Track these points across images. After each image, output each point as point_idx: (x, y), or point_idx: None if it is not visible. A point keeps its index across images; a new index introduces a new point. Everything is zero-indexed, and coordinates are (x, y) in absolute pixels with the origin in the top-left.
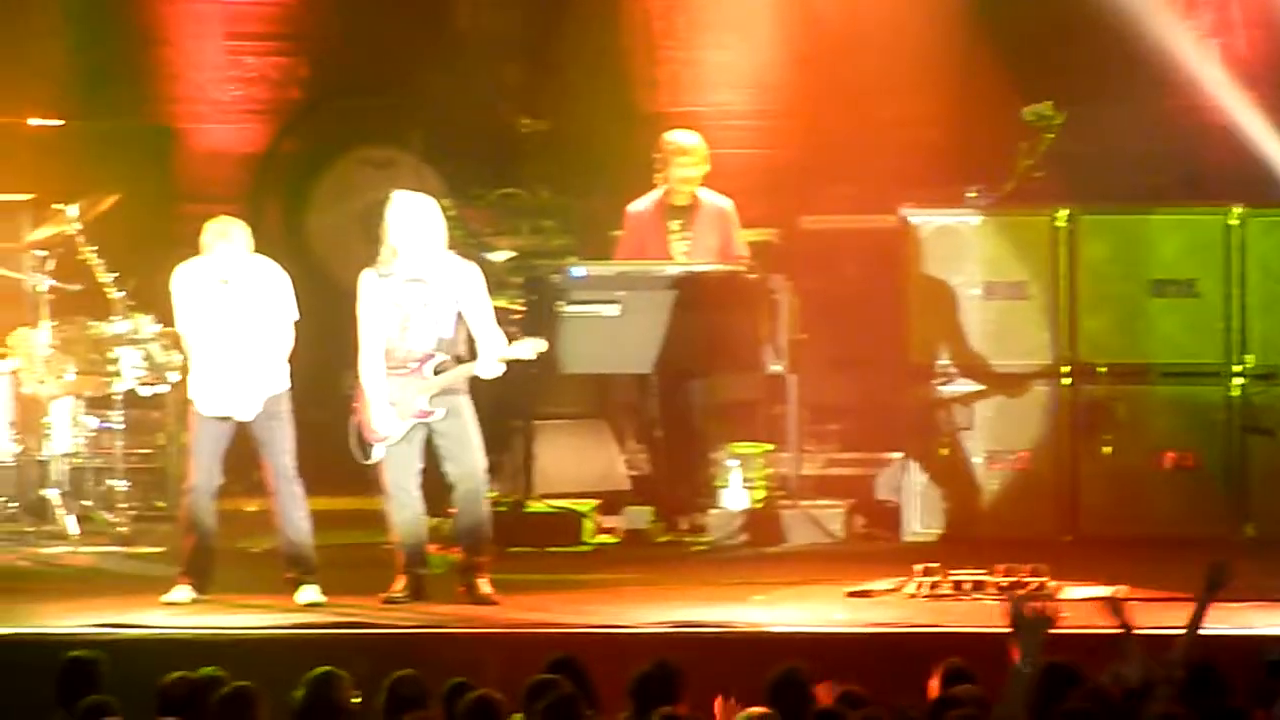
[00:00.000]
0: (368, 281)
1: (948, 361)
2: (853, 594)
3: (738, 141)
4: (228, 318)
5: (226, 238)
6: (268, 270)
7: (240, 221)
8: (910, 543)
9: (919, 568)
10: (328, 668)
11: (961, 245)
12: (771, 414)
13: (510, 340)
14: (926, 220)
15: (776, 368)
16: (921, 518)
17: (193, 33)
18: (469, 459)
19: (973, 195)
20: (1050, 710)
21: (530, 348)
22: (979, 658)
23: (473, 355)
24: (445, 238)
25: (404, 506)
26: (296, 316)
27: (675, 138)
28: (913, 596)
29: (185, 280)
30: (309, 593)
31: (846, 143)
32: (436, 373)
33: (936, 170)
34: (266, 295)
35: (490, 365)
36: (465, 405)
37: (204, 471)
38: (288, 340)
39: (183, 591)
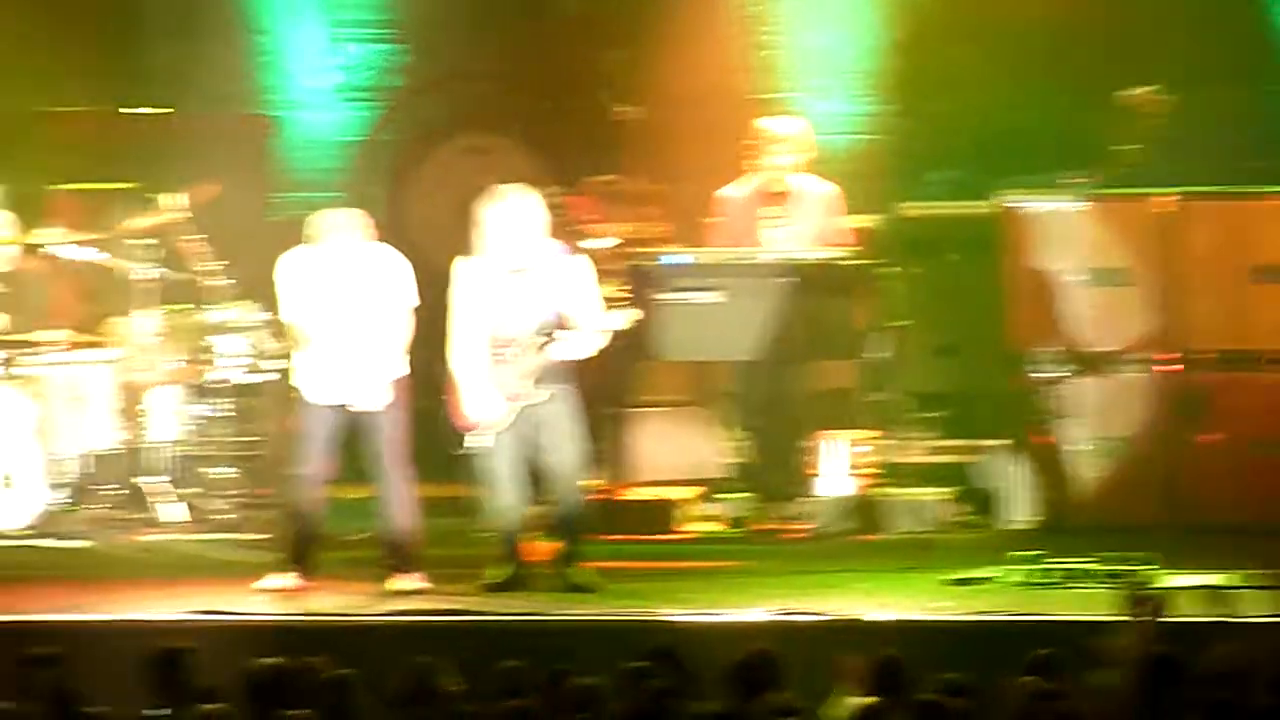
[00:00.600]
0: (467, 269)
1: (1049, 348)
2: (954, 582)
3: (837, 127)
4: (345, 306)
5: (340, 228)
6: (387, 256)
7: (355, 210)
8: (1011, 530)
9: (1020, 555)
10: (428, 656)
11: (1063, 231)
12: (872, 401)
13: None
14: (1028, 206)
15: (877, 354)
16: (1023, 505)
17: (294, 20)
18: (568, 447)
19: (1075, 181)
20: (1160, 699)
21: (625, 317)
22: (1079, 645)
23: None
24: (545, 227)
25: (502, 494)
26: (417, 303)
27: (770, 124)
28: (1014, 584)
29: (292, 269)
30: (410, 580)
31: (947, 128)
32: (533, 357)
33: (1038, 155)
34: (386, 282)
35: (584, 342)
36: (566, 393)
37: (315, 459)
38: (407, 327)
39: (286, 578)
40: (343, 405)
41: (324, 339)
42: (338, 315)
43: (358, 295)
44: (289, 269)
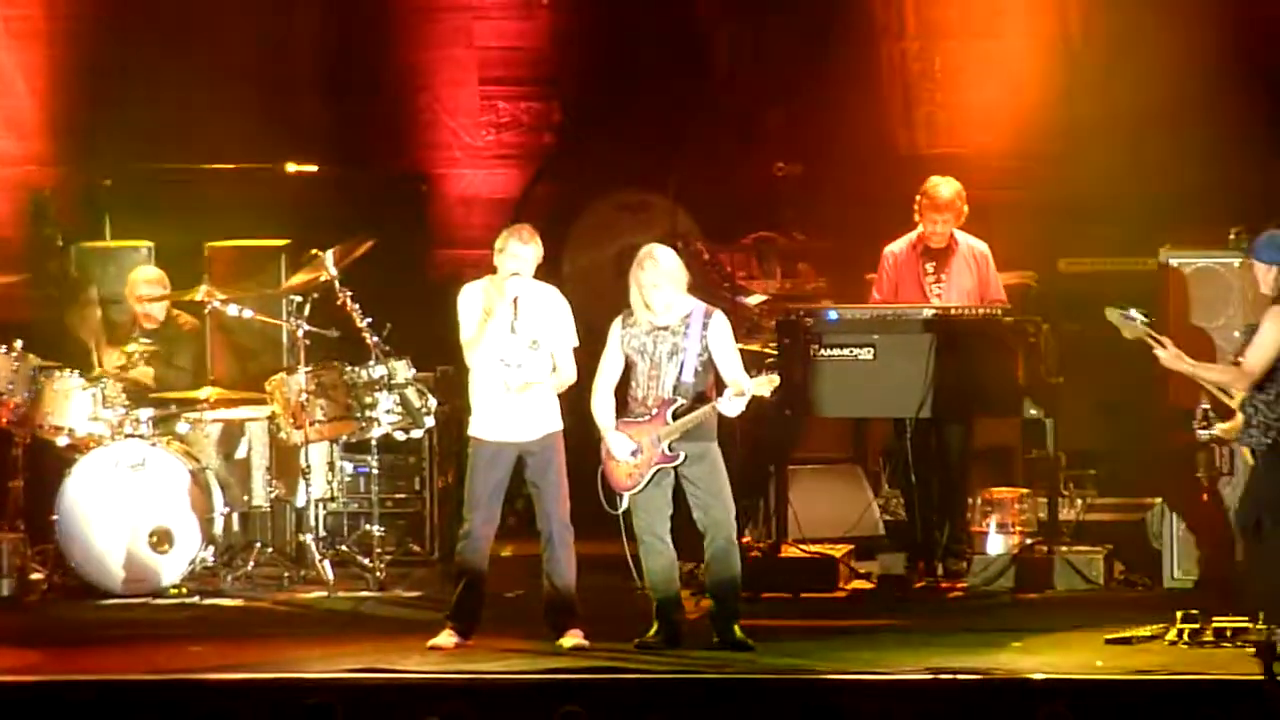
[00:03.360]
0: (614, 328)
1: (1208, 405)
2: (1113, 641)
3: (996, 183)
4: (514, 337)
5: (520, 257)
6: (553, 296)
7: (534, 242)
8: (1171, 589)
9: (1180, 614)
10: (574, 706)
11: (1223, 287)
12: (1029, 458)
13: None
14: (1187, 262)
15: (1034, 412)
16: (1182, 564)
17: (447, 79)
18: (719, 505)
19: (1234, 236)
20: None
21: (764, 385)
22: (1239, 706)
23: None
24: (685, 284)
25: (655, 553)
26: (576, 343)
27: (932, 181)
28: (1174, 644)
29: (471, 298)
30: (574, 638)
31: (1106, 184)
32: (675, 417)
33: (1197, 211)
34: (552, 320)
35: (725, 405)
36: (712, 451)
37: (481, 514)
38: (569, 368)
39: (449, 636)
40: (508, 441)
41: (492, 369)
42: (505, 346)
43: (525, 329)
44: (469, 297)
